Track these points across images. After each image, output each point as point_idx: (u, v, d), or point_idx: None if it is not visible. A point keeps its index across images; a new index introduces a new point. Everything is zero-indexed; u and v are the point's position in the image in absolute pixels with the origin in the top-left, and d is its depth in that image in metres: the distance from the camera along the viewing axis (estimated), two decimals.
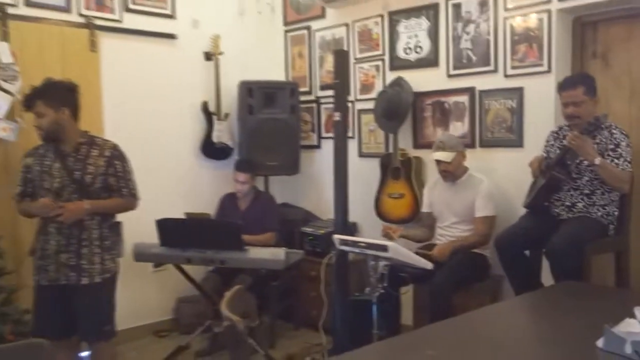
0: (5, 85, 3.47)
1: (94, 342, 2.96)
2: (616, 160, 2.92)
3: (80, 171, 2.84)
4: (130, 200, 2.98)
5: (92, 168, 2.85)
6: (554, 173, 3.07)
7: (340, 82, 3.80)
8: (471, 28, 3.74)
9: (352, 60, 4.35)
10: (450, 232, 3.60)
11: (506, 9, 3.57)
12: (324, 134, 4.73)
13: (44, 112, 2.81)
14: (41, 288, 2.91)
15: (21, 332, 3.19)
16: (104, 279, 2.89)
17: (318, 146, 4.78)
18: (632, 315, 1.81)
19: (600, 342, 1.67)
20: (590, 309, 2.14)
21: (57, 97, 2.84)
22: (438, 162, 3.54)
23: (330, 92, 4.54)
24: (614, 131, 2.98)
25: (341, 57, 3.84)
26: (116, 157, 2.92)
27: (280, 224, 4.26)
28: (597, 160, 2.87)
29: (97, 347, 2.97)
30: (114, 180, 2.91)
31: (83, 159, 2.86)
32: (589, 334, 1.76)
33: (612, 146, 2.95)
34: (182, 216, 3.84)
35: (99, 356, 2.97)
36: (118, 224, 3.02)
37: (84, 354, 3.16)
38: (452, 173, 3.55)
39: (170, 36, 4.34)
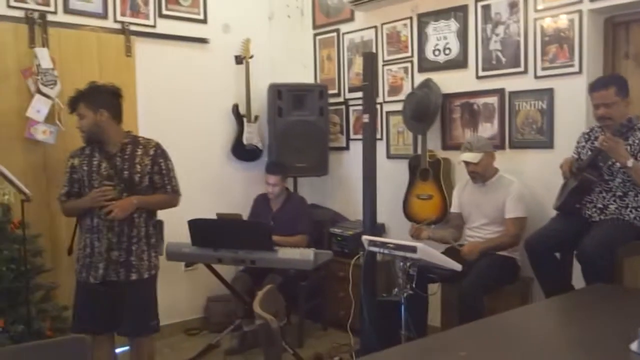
0: (45, 90, 3.60)
1: (138, 337, 3.05)
2: None
3: (128, 170, 2.95)
4: (173, 196, 3.09)
5: (139, 167, 2.96)
6: (586, 174, 3.04)
7: (369, 84, 3.84)
8: (501, 29, 3.73)
9: (380, 63, 4.37)
10: (479, 233, 3.59)
11: (536, 10, 3.55)
12: (352, 136, 4.76)
13: (85, 113, 2.93)
14: (87, 285, 2.98)
15: (59, 328, 3.31)
16: (151, 275, 3.01)
17: (346, 148, 4.82)
18: None
19: (634, 346, 1.67)
20: (623, 312, 2.13)
21: (97, 99, 2.94)
22: (466, 163, 3.54)
23: (358, 94, 4.58)
24: None
25: (370, 60, 3.88)
26: (159, 155, 3.03)
27: (311, 227, 4.29)
28: (630, 163, 2.83)
29: (138, 341, 3.06)
30: (158, 178, 3.02)
31: (129, 159, 2.96)
32: (623, 337, 1.75)
33: None
34: (214, 216, 3.92)
35: (140, 351, 3.07)
36: (161, 222, 3.13)
37: (122, 349, 3.25)
38: (480, 174, 3.54)
39: (202, 40, 4.44)
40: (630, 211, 3.00)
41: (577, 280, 3.21)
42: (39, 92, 3.59)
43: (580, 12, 3.37)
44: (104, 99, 2.95)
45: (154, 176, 3.01)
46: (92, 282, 2.95)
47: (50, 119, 3.64)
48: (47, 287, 3.37)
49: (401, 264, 3.02)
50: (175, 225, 3.94)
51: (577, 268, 3.13)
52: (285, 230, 4.08)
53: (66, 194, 3.05)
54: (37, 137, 3.59)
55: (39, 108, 3.58)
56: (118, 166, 2.94)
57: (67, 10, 3.80)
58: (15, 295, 3.13)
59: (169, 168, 3.06)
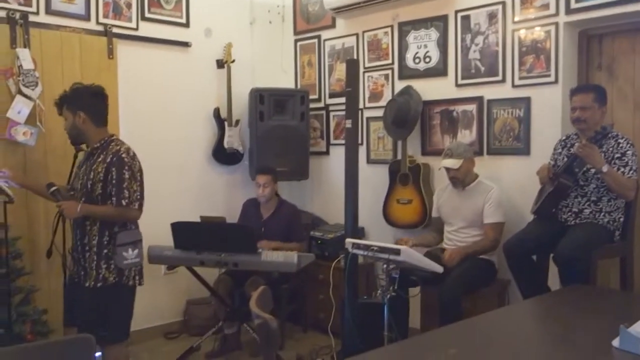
0: (26, 91, 3.56)
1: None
2: (622, 169, 3.02)
3: (86, 176, 2.89)
4: (122, 209, 2.84)
5: (92, 174, 2.86)
6: (562, 180, 3.16)
7: (351, 90, 3.90)
8: (480, 39, 3.85)
9: (361, 69, 4.44)
10: (458, 236, 3.68)
11: (514, 22, 3.68)
12: (332, 141, 4.82)
13: (65, 116, 2.95)
14: (66, 280, 3.04)
15: (40, 331, 3.27)
16: (103, 286, 2.85)
17: (327, 152, 4.88)
18: None
19: (616, 342, 1.75)
20: (602, 310, 2.22)
21: (77, 101, 2.91)
22: (447, 169, 3.63)
23: (339, 100, 4.66)
24: (620, 140, 3.08)
25: (352, 66, 3.94)
26: (114, 163, 2.83)
27: (305, 235, 4.32)
28: (605, 168, 2.96)
29: (104, 349, 2.98)
30: (110, 188, 2.83)
31: (91, 165, 2.90)
32: (604, 334, 1.84)
33: (618, 155, 3.05)
34: (195, 219, 3.92)
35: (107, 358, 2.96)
36: (116, 234, 2.88)
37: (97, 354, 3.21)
38: (461, 180, 3.64)
39: (184, 44, 4.44)
40: (604, 215, 3.13)
41: (552, 282, 3.33)
42: (20, 93, 3.54)
43: (556, 24, 3.50)
44: (83, 101, 2.91)
45: (107, 185, 2.83)
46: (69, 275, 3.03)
47: (31, 120, 3.59)
48: (26, 290, 3.33)
49: (384, 266, 3.09)
50: (157, 228, 3.94)
51: (552, 270, 3.26)
52: (276, 237, 4.08)
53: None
54: (17, 138, 3.54)
55: (19, 109, 3.53)
56: (83, 171, 2.93)
57: (49, 11, 3.76)
58: None
59: (121, 179, 2.81)
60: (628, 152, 3.04)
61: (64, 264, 3.07)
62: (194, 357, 3.93)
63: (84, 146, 3.06)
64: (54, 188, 2.92)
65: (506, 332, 2.10)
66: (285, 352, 3.98)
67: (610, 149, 3.08)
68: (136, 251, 2.94)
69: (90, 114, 2.91)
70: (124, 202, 2.82)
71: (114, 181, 2.82)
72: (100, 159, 2.87)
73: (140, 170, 2.95)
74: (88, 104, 2.92)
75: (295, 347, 4.14)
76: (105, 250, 2.87)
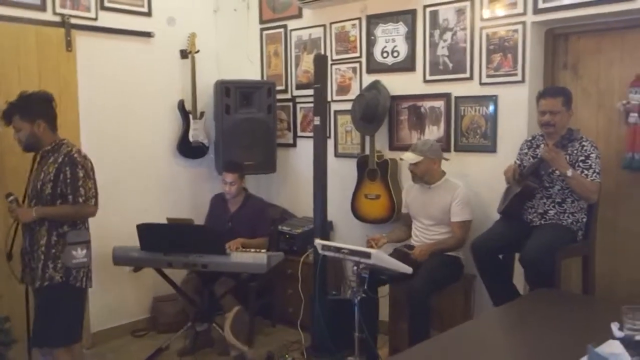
0: None
1: (39, 348, 3.02)
2: (586, 172, 3.09)
3: (36, 179, 2.91)
4: (79, 207, 2.87)
5: (43, 175, 2.88)
6: (528, 182, 3.22)
7: (320, 86, 3.86)
8: (448, 35, 3.84)
9: (329, 62, 4.38)
10: (425, 233, 3.72)
11: (482, 19, 3.68)
12: (299, 133, 4.77)
13: (20, 126, 2.89)
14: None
15: (2, 341, 3.17)
16: (49, 286, 2.86)
17: (293, 145, 4.83)
18: (609, 330, 1.98)
19: None
20: (569, 323, 2.28)
21: (32, 110, 2.89)
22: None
23: (306, 92, 4.61)
24: (585, 143, 3.13)
25: (321, 62, 3.89)
26: (66, 163, 2.85)
27: (271, 229, 4.29)
28: (569, 172, 3.03)
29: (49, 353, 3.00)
30: (63, 187, 2.85)
31: (41, 167, 2.92)
32: (572, 351, 1.90)
33: (582, 158, 3.11)
34: (160, 215, 3.86)
35: None
36: (65, 233, 2.90)
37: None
38: (419, 176, 3.64)
39: (147, 34, 4.29)
40: (568, 216, 3.21)
41: (518, 280, 3.42)
42: None
43: (524, 23, 3.51)
44: (39, 109, 2.89)
45: (60, 185, 2.85)
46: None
47: None
48: None
49: (355, 268, 3.11)
50: (120, 226, 3.87)
51: (518, 268, 3.33)
52: (243, 232, 4.04)
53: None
54: None
55: None
56: (34, 175, 2.95)
57: (2, 2, 3.56)
58: None
59: (76, 177, 2.85)
60: (592, 155, 3.10)
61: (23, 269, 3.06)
62: (162, 357, 3.90)
63: None
64: (12, 197, 2.94)
65: (472, 348, 2.12)
66: (256, 349, 3.97)
67: (575, 151, 3.14)
68: (85, 251, 2.97)
69: (47, 121, 2.92)
70: (80, 200, 2.87)
71: (68, 180, 2.85)
72: (51, 160, 2.90)
73: (93, 169, 2.98)
74: (44, 111, 2.92)
75: (264, 342, 4.14)
76: (54, 250, 2.89)
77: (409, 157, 3.60)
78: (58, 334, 2.90)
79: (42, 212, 2.86)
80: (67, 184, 2.84)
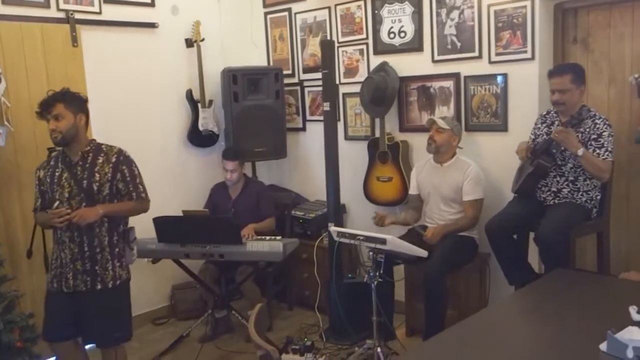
0: None
1: (103, 348, 3.03)
2: (598, 150, 3.07)
3: (87, 179, 2.86)
4: (141, 202, 3.01)
5: (98, 176, 2.87)
6: (540, 161, 3.21)
7: (328, 72, 3.84)
8: (455, 14, 3.79)
9: (335, 44, 4.35)
10: (438, 214, 3.73)
11: None
12: (308, 117, 4.77)
13: (64, 114, 2.82)
14: (57, 294, 2.95)
15: (29, 338, 3.23)
16: (115, 285, 2.94)
17: (303, 129, 4.83)
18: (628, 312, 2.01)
19: (603, 346, 1.84)
20: (587, 306, 2.30)
21: (77, 103, 2.89)
22: (431, 127, 3.64)
23: (313, 75, 4.59)
24: (598, 121, 3.11)
25: (328, 47, 3.87)
26: (122, 162, 2.93)
27: (274, 208, 4.33)
28: (580, 152, 3.02)
29: (104, 352, 3.04)
30: (122, 186, 2.93)
31: (90, 167, 2.88)
32: (591, 336, 1.92)
33: (594, 136, 3.10)
34: (175, 207, 3.89)
35: (117, 357, 3.04)
36: (126, 231, 3.05)
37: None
38: (438, 145, 3.63)
39: (151, 25, 4.27)
40: (582, 195, 3.21)
41: (531, 256, 3.44)
42: None
43: None
44: (81, 104, 2.91)
45: (118, 184, 2.93)
46: (65, 291, 2.92)
47: None
48: (10, 296, 3.26)
49: (370, 253, 3.14)
50: (136, 220, 3.89)
51: (532, 247, 3.35)
52: (247, 216, 4.09)
53: (38, 207, 2.98)
54: None
55: None
56: (78, 176, 2.86)
57: (6, 2, 3.55)
58: None
59: (134, 174, 2.98)
60: (604, 133, 3.08)
61: (47, 265, 3.05)
62: (184, 343, 3.98)
63: None
64: (56, 203, 2.84)
65: (493, 336, 2.14)
66: (274, 333, 4.05)
67: (587, 129, 3.12)
68: (136, 247, 3.10)
69: (87, 118, 2.95)
70: (143, 195, 3.00)
71: (127, 178, 2.94)
72: (100, 160, 2.90)
73: None
74: (85, 107, 2.95)
75: (283, 326, 4.21)
76: (117, 249, 2.97)
77: (439, 121, 3.61)
78: (127, 330, 3.03)
79: (109, 209, 2.88)
80: (127, 182, 2.93)
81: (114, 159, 2.92)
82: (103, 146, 2.97)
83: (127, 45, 4.17)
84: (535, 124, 3.44)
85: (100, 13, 3.99)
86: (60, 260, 2.92)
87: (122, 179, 2.93)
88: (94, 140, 3.00)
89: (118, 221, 2.98)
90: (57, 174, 2.88)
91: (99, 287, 2.91)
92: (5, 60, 3.54)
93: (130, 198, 2.97)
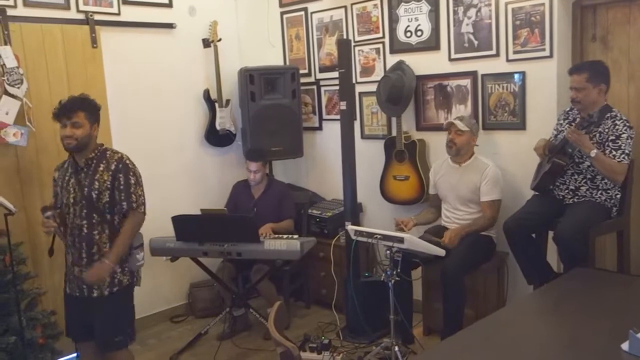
0: (12, 90, 3.46)
1: (105, 352, 3.00)
2: (614, 152, 3.03)
3: (88, 187, 2.83)
4: (133, 216, 2.89)
5: (97, 183, 2.83)
6: (556, 160, 3.20)
7: (345, 71, 3.85)
8: (472, 12, 3.77)
9: (352, 43, 4.35)
10: (456, 214, 3.73)
11: None
12: (325, 116, 4.78)
13: (83, 123, 2.81)
14: (66, 295, 3.00)
15: (51, 334, 3.30)
16: (112, 292, 2.89)
17: (319, 128, 4.84)
18: None
19: (625, 346, 1.83)
20: (608, 304, 2.29)
21: (95, 113, 2.89)
22: (450, 130, 3.63)
23: (330, 75, 4.60)
24: (618, 122, 3.07)
25: (345, 47, 3.87)
26: (120, 169, 2.85)
27: (295, 210, 4.34)
28: (593, 153, 2.99)
29: (109, 355, 3.00)
30: (117, 194, 2.85)
31: (92, 175, 2.84)
32: (612, 335, 1.91)
33: (613, 137, 3.05)
34: (193, 206, 3.93)
35: None
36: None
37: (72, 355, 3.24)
38: (458, 146, 3.62)
39: (169, 25, 4.31)
40: (601, 193, 3.18)
41: (550, 255, 3.42)
42: (6, 93, 3.44)
43: None
44: (98, 114, 2.90)
45: (115, 192, 2.85)
46: (68, 292, 2.98)
47: (19, 119, 3.51)
48: (33, 294, 3.33)
49: (387, 252, 3.14)
50: (155, 218, 3.93)
51: (551, 245, 3.33)
52: (269, 215, 4.11)
53: (54, 206, 2.97)
54: (8, 140, 3.47)
55: (7, 110, 3.44)
56: (81, 182, 2.85)
57: (27, 3, 3.61)
58: (1, 307, 3.09)
59: (129, 183, 2.85)
60: (623, 135, 3.04)
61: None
62: (201, 341, 4.02)
63: None
64: (48, 213, 2.83)
65: (512, 336, 2.14)
66: (291, 331, 4.07)
67: (607, 130, 3.08)
68: (142, 254, 3.02)
69: (99, 128, 2.93)
70: (134, 206, 2.87)
71: (121, 187, 2.85)
72: (101, 168, 2.85)
73: (140, 176, 2.97)
74: (99, 118, 2.92)
75: (300, 324, 4.23)
76: None
77: (458, 124, 3.60)
78: (128, 334, 2.97)
79: (116, 255, 2.83)
80: (120, 190, 2.84)
81: (113, 167, 2.85)
82: (108, 153, 2.91)
83: (145, 46, 4.21)
84: (558, 120, 3.42)
85: (119, 14, 4.03)
86: (67, 263, 2.98)
87: (117, 187, 2.85)
88: (102, 145, 2.94)
89: (119, 228, 2.89)
90: (66, 177, 2.90)
91: (95, 294, 2.87)
92: (27, 61, 3.59)
93: (120, 209, 2.87)
